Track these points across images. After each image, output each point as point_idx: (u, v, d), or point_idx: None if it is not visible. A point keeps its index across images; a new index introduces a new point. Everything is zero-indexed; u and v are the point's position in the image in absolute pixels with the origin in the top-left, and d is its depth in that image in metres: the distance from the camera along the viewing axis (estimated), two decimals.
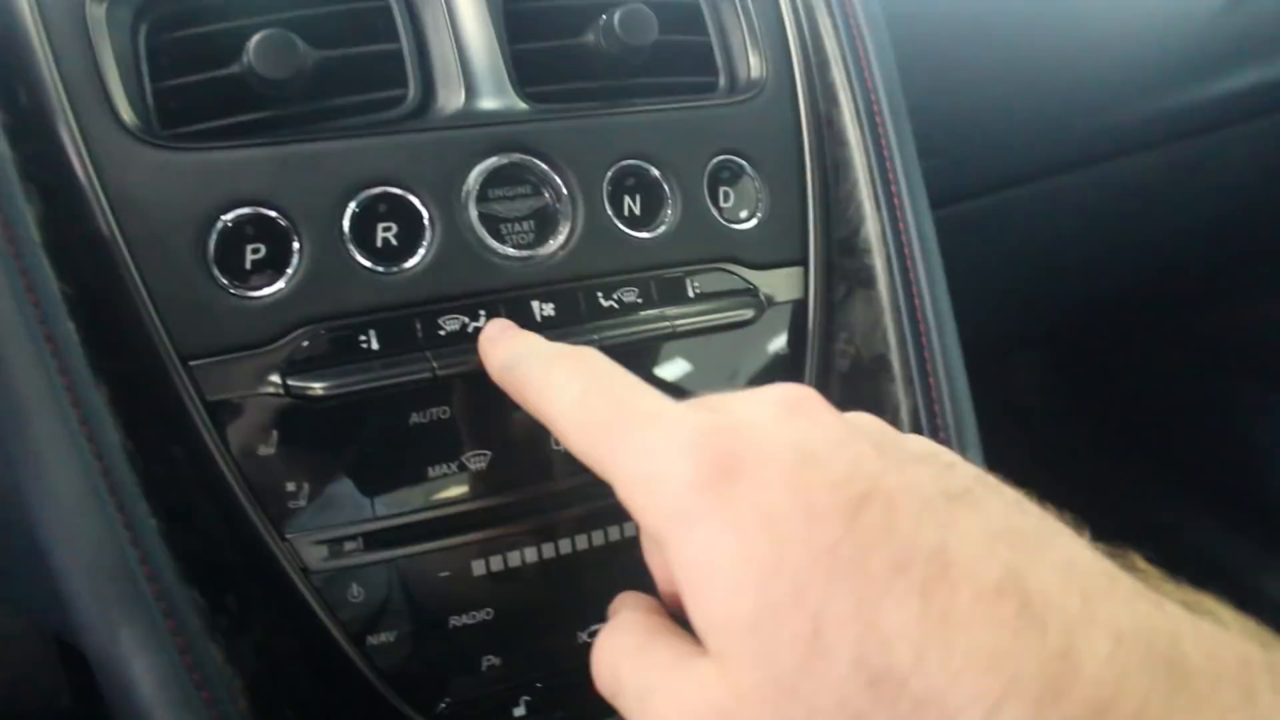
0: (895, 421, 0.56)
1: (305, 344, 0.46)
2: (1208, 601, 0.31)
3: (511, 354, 0.43)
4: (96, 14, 0.47)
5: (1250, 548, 1.28)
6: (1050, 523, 0.32)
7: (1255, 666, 0.28)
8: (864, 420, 0.36)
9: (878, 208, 0.58)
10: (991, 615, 0.27)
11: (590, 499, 0.51)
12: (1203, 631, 0.29)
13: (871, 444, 0.32)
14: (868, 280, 0.58)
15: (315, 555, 0.47)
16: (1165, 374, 1.38)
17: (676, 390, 0.53)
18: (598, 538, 0.51)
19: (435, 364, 0.47)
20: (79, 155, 0.45)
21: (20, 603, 0.72)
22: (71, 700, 1.08)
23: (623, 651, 0.35)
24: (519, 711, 0.51)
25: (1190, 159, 1.02)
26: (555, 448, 0.50)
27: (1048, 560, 0.29)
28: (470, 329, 0.49)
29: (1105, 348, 1.43)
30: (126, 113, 0.46)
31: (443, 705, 0.50)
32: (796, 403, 0.34)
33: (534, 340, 0.44)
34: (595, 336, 0.50)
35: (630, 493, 0.33)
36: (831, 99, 0.60)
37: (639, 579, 0.52)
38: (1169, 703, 0.27)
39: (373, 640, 0.48)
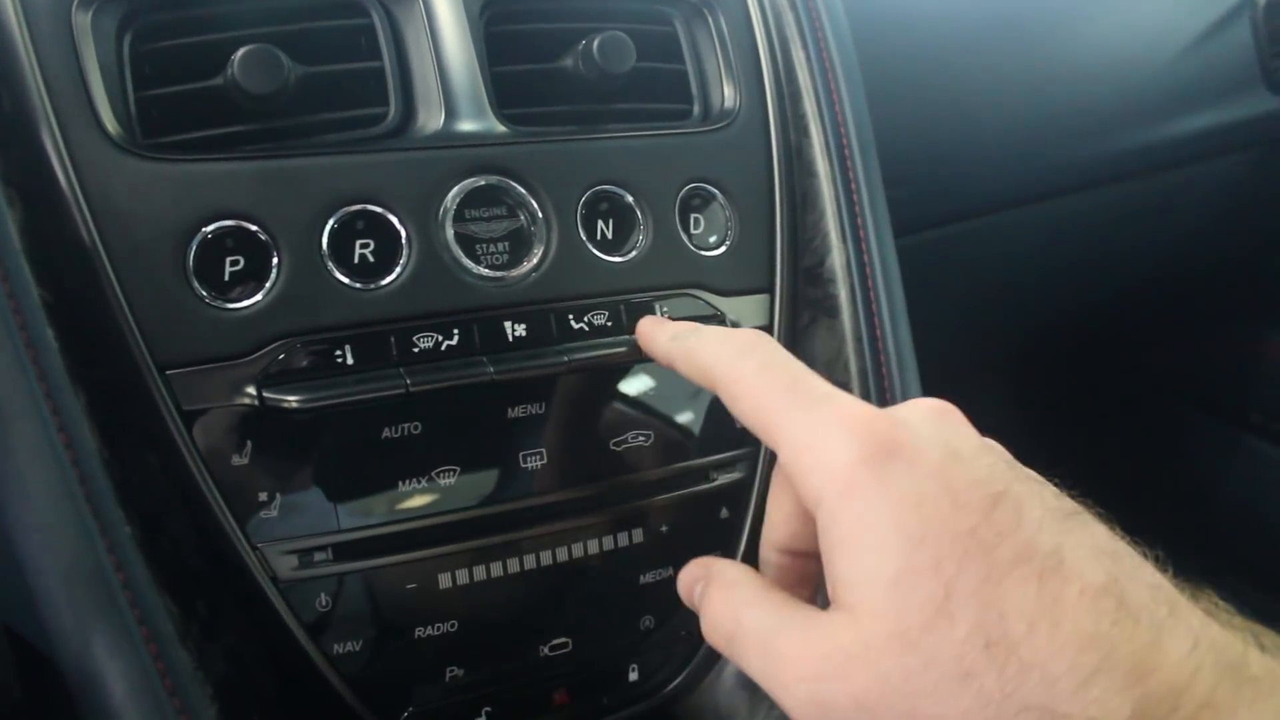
0: None
1: (281, 357, 0.47)
2: (1268, 635, 0.35)
3: (679, 328, 0.47)
4: (82, 21, 0.47)
5: (1196, 575, 1.31)
6: (1131, 551, 0.36)
7: None
8: (992, 441, 0.40)
9: (843, 239, 0.60)
10: (1094, 607, 0.33)
11: (556, 517, 0.52)
12: (1264, 651, 0.34)
13: (1004, 457, 0.38)
14: (831, 309, 0.59)
15: (285, 565, 0.48)
16: (1117, 402, 1.41)
17: (644, 414, 0.54)
18: (562, 554, 0.52)
19: (409, 380, 0.48)
20: (61, 163, 0.46)
21: None
22: (22, 695, 1.08)
23: (744, 600, 0.40)
24: None
25: (1145, 197, 1.05)
26: (524, 465, 0.51)
27: (1141, 578, 0.34)
28: (444, 346, 0.50)
29: (1059, 377, 1.46)
30: (110, 121, 0.47)
31: (406, 714, 0.51)
32: (944, 413, 0.39)
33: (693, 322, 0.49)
34: (565, 358, 0.51)
35: (796, 459, 0.37)
36: (803, 130, 0.61)
37: (602, 597, 0.54)
38: (1234, 693, 0.32)
39: (339, 649, 0.49)
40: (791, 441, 0.38)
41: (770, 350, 0.42)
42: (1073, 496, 0.38)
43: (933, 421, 0.38)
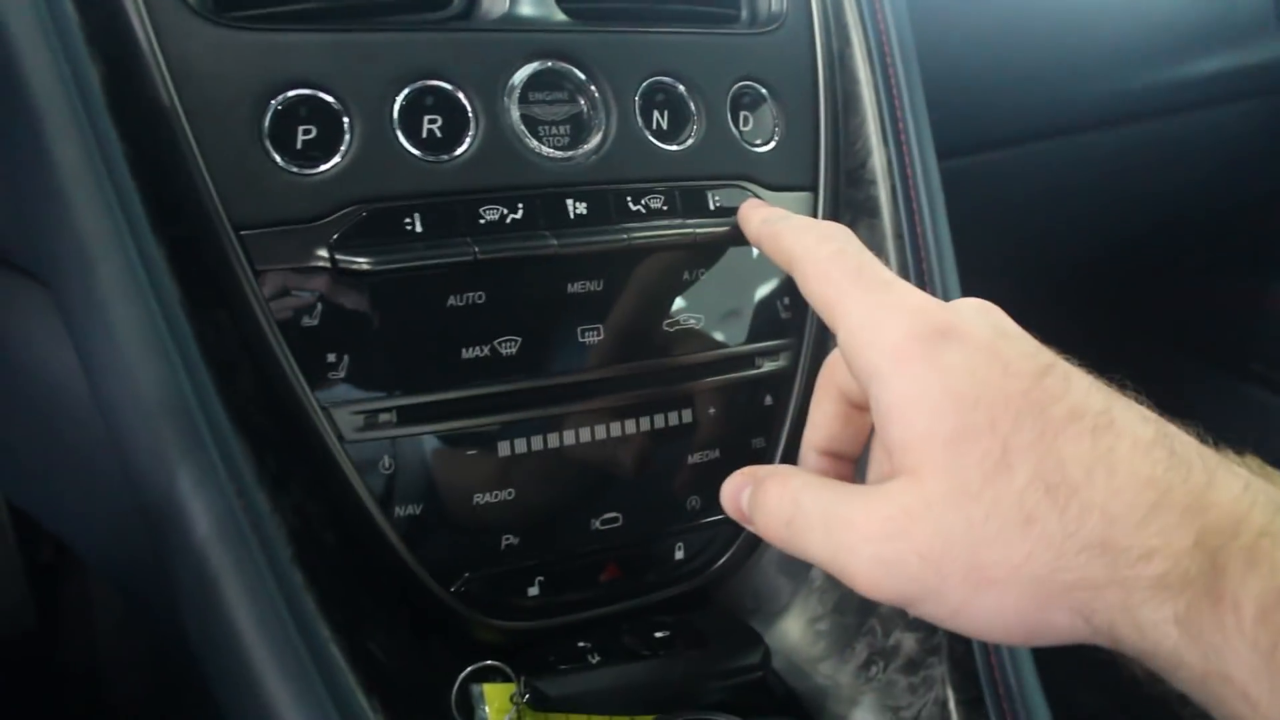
0: None
1: (353, 222, 0.48)
2: None
3: (773, 212, 0.51)
4: None
5: None
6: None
7: None
8: None
9: (884, 142, 0.62)
10: (1148, 456, 0.35)
11: (610, 391, 0.54)
12: None
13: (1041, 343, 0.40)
14: (872, 210, 0.61)
15: (350, 425, 0.49)
16: (1118, 348, 1.43)
17: (696, 297, 0.56)
18: (615, 429, 0.54)
19: (477, 248, 0.49)
20: (142, 26, 0.47)
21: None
22: (36, 620, 1.09)
23: (801, 486, 0.41)
24: (533, 591, 0.54)
25: (1154, 141, 1.07)
26: (581, 339, 0.53)
27: (1186, 438, 0.36)
28: (509, 220, 0.51)
29: (1060, 320, 1.47)
30: None
31: (463, 578, 0.52)
32: (991, 308, 0.41)
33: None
34: (624, 236, 0.53)
35: (853, 336, 0.40)
36: (845, 39, 0.63)
37: (652, 475, 0.56)
38: None
39: (400, 511, 0.50)
40: (850, 319, 0.40)
41: (846, 239, 0.44)
42: None
43: (982, 311, 0.41)
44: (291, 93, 0.48)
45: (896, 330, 0.38)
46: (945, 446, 0.36)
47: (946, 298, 0.59)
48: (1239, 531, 0.33)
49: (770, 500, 0.42)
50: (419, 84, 0.50)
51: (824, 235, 0.45)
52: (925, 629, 0.55)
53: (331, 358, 0.49)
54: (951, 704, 0.54)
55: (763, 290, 0.58)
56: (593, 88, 0.54)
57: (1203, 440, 0.37)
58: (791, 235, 0.46)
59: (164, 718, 1.06)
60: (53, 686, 1.11)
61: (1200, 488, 0.34)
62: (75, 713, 1.11)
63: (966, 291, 0.61)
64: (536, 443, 0.52)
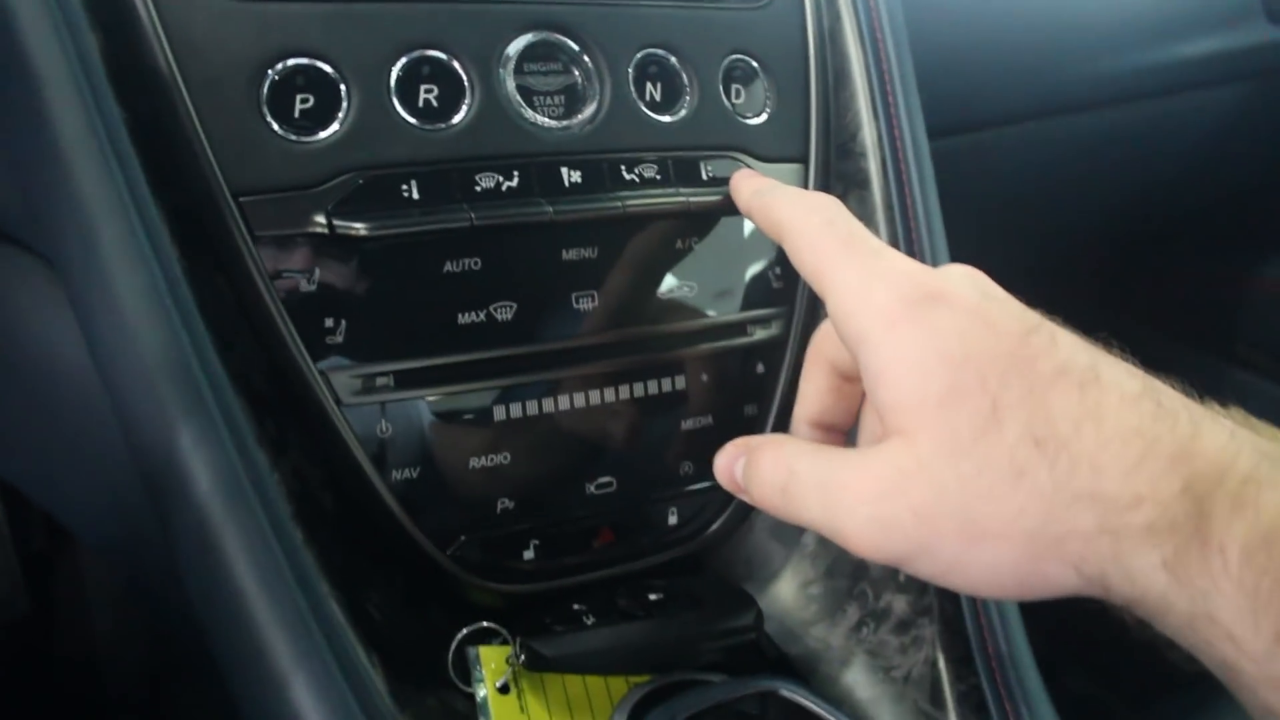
0: None
1: (350, 189, 0.49)
2: None
3: (764, 183, 0.51)
4: None
5: None
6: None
7: None
8: None
9: (874, 116, 0.62)
10: (1135, 408, 0.35)
11: (604, 357, 0.54)
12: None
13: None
14: (862, 182, 0.62)
15: (348, 388, 0.50)
16: (1104, 328, 1.44)
17: (689, 265, 0.57)
18: (609, 395, 0.55)
19: (473, 214, 0.50)
20: None
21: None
22: (29, 605, 1.09)
23: (796, 453, 0.42)
24: (528, 554, 0.54)
25: (1141, 124, 1.08)
26: (576, 305, 0.54)
27: (1172, 391, 0.37)
28: (504, 187, 0.52)
29: (1052, 302, 1.48)
30: None
31: (459, 541, 0.53)
32: (977, 274, 0.42)
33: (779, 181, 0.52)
34: (618, 204, 0.53)
35: (842, 302, 0.41)
36: (835, 14, 0.64)
37: (646, 440, 0.56)
38: (1273, 468, 0.34)
39: (397, 474, 0.51)
40: (839, 287, 0.41)
41: (835, 210, 0.45)
42: None
43: (969, 276, 0.41)
44: (290, 62, 0.49)
45: (885, 295, 0.39)
46: (936, 406, 0.37)
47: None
48: (1224, 478, 0.34)
49: (764, 469, 0.43)
50: (415, 54, 0.51)
51: (814, 206, 0.45)
52: (916, 590, 0.56)
53: (329, 322, 0.49)
54: (941, 663, 0.55)
55: (755, 259, 0.59)
56: (586, 59, 0.55)
57: (1188, 395, 0.38)
58: (782, 206, 0.47)
59: (161, 701, 1.07)
60: (48, 672, 1.12)
61: (1186, 437, 0.35)
62: (72, 698, 1.11)
63: None
64: (531, 408, 0.53)
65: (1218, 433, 0.35)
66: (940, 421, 0.37)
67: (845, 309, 0.40)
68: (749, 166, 0.58)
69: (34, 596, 1.09)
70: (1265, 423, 0.40)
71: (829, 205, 0.45)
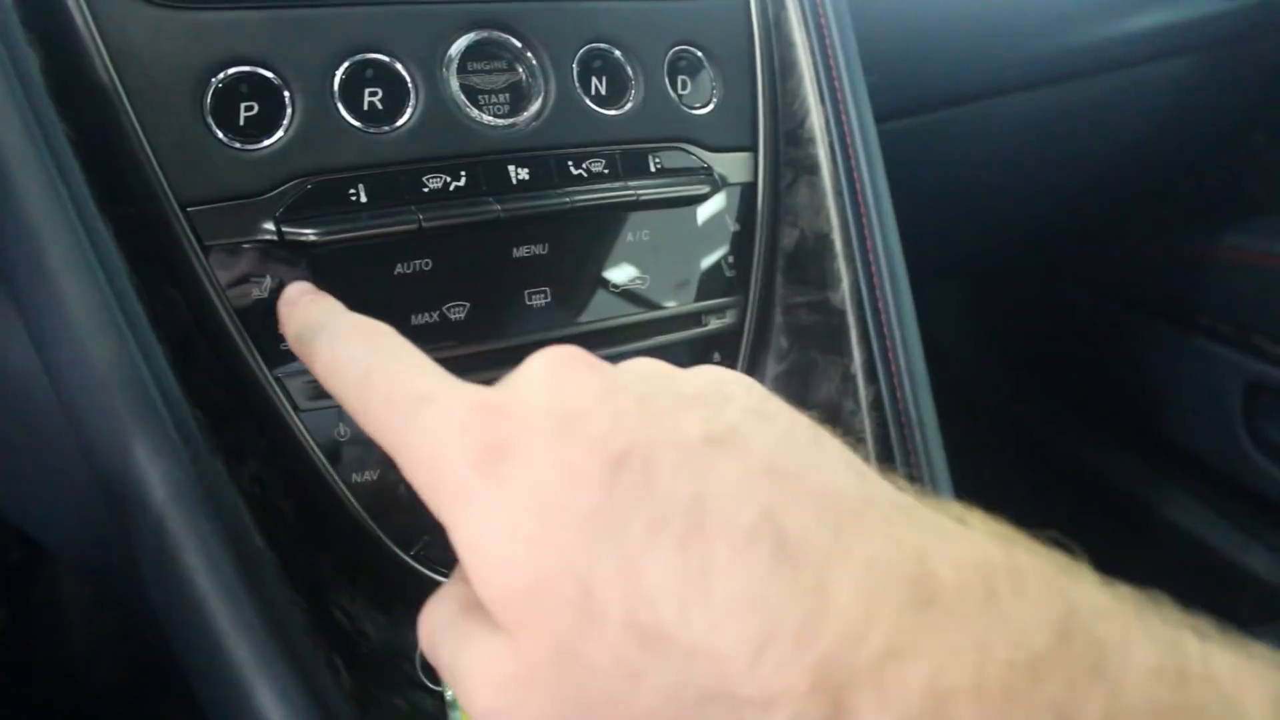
0: (836, 295, 0.61)
1: (298, 195, 0.49)
2: (958, 509, 0.32)
3: (304, 325, 0.43)
4: None
5: (1147, 474, 1.37)
6: (816, 450, 0.32)
7: (998, 569, 0.28)
8: (637, 367, 0.36)
9: (821, 102, 0.63)
10: (747, 562, 0.27)
11: None
12: (950, 544, 0.29)
13: (634, 396, 0.32)
14: (811, 168, 0.63)
15: (304, 393, 0.50)
16: (1073, 308, 1.46)
17: (641, 257, 0.57)
18: None
19: (421, 216, 0.50)
20: (79, 7, 0.47)
21: None
22: (5, 615, 1.09)
23: (441, 623, 0.35)
24: None
25: (1096, 96, 1.09)
26: (529, 302, 0.54)
27: (805, 493, 0.29)
28: (452, 187, 0.52)
29: (1013, 277, 1.50)
30: None
31: (422, 541, 0.53)
32: (558, 365, 0.34)
33: (328, 310, 0.43)
34: (567, 200, 0.54)
35: (414, 475, 0.33)
36: (779, 3, 0.64)
37: None
38: (918, 620, 0.26)
39: (357, 478, 0.51)
40: (405, 458, 0.34)
41: (376, 350, 0.38)
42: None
43: (548, 383, 0.33)
44: (232, 70, 0.49)
45: (449, 461, 0.32)
46: (525, 601, 0.30)
47: (888, 256, 0.61)
48: (855, 661, 0.26)
49: (422, 633, 0.36)
50: (358, 57, 0.51)
51: (352, 355, 0.38)
52: None
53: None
54: None
55: (708, 249, 0.60)
56: (530, 55, 0.55)
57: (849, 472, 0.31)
58: (322, 361, 0.40)
59: (139, 706, 1.07)
60: (26, 682, 1.12)
61: (811, 591, 0.27)
62: (49, 706, 1.11)
63: (911, 252, 0.63)
64: None
65: (849, 573, 0.27)
66: (535, 619, 0.29)
67: (416, 485, 0.33)
68: (698, 158, 0.58)
69: (10, 606, 1.09)
70: (923, 496, 0.32)
71: (366, 347, 0.38)
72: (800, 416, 0.34)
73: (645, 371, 0.35)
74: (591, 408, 0.31)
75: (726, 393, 0.34)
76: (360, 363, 0.37)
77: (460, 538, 0.31)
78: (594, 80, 0.57)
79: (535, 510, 0.29)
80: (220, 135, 0.49)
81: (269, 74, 0.49)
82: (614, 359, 0.55)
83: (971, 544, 0.29)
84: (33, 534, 0.80)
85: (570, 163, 0.55)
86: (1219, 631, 0.28)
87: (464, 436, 0.31)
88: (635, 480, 0.29)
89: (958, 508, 0.31)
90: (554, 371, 0.33)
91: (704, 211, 0.59)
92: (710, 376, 0.35)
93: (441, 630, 0.34)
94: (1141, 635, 0.27)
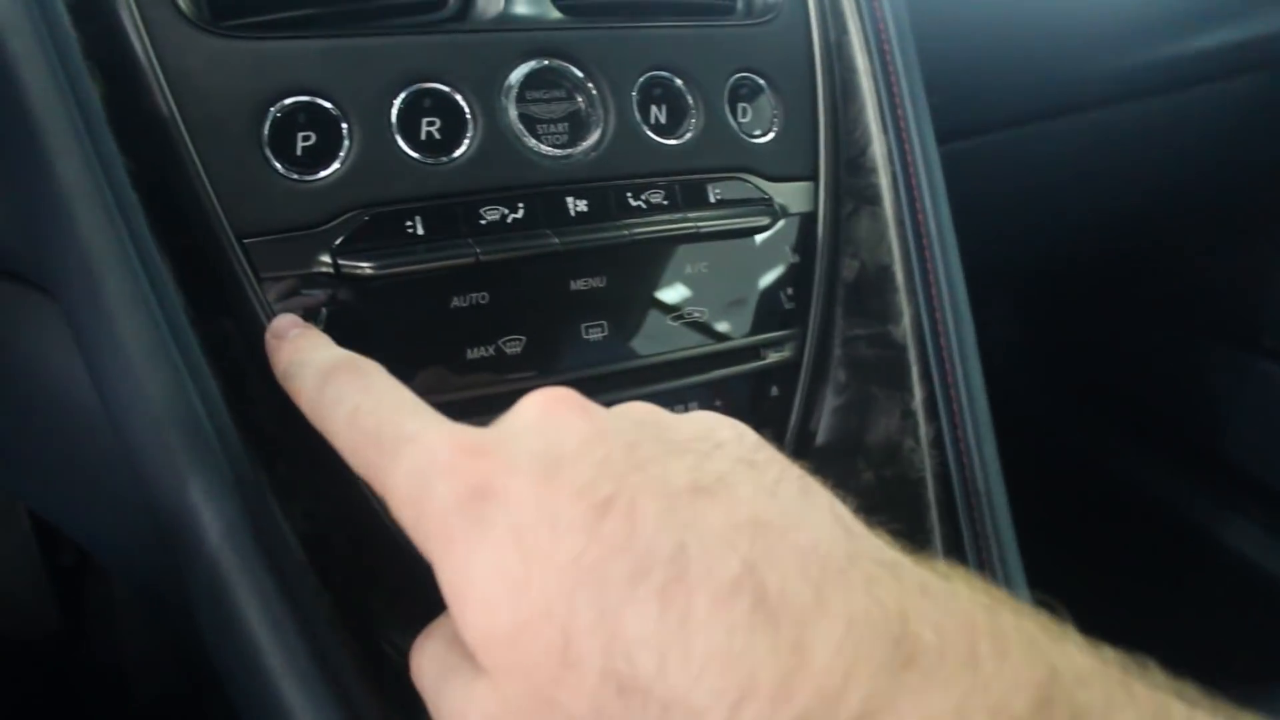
0: (898, 329, 0.60)
1: (355, 227, 0.49)
2: (943, 568, 0.31)
3: (291, 361, 0.43)
4: None
5: (1208, 499, 1.34)
6: (804, 501, 0.32)
7: (980, 631, 0.28)
8: (630, 412, 0.36)
9: (884, 130, 0.62)
10: (727, 616, 0.27)
11: (620, 387, 0.54)
12: (933, 604, 0.29)
13: (622, 442, 0.32)
14: (873, 198, 0.61)
15: None
16: (1129, 327, 1.43)
17: (699, 290, 0.56)
18: None
19: (478, 249, 0.50)
20: (139, 39, 0.47)
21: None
22: (60, 623, 1.10)
23: (429, 658, 0.35)
24: None
25: (1159, 116, 1.06)
26: (585, 335, 0.53)
27: (789, 548, 0.29)
28: (509, 219, 0.51)
29: (1072, 300, 1.48)
30: (184, 1, 0.48)
31: None
32: (550, 406, 0.34)
33: (315, 347, 0.44)
34: (626, 233, 0.53)
35: (400, 514, 0.34)
36: (841, 27, 0.63)
37: None
38: (897, 681, 0.26)
39: None
40: (393, 498, 0.34)
41: (363, 389, 0.38)
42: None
43: (535, 427, 0.33)
44: (289, 100, 0.49)
45: (435, 502, 0.32)
46: (506, 645, 0.30)
47: (950, 288, 0.59)
48: (835, 714, 0.26)
49: (413, 668, 0.37)
50: (416, 87, 0.51)
51: (339, 393, 0.38)
52: None
53: None
54: None
55: (766, 281, 0.59)
56: (590, 84, 0.54)
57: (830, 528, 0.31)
58: (308, 399, 0.40)
59: (190, 715, 1.08)
60: (79, 687, 1.13)
61: (790, 648, 0.27)
62: (102, 712, 1.12)
63: (973, 278, 0.61)
64: None
65: (828, 631, 0.27)
66: (514, 663, 0.30)
67: (404, 525, 0.34)
68: (757, 187, 0.57)
69: (64, 611, 1.11)
70: (908, 552, 0.32)
71: (354, 385, 0.38)
72: (791, 466, 0.34)
73: (637, 416, 0.35)
74: (579, 452, 0.31)
75: (717, 439, 0.34)
76: (348, 401, 0.37)
77: (444, 578, 0.31)
78: (654, 109, 0.56)
79: (518, 554, 0.30)
80: (277, 166, 0.48)
81: (327, 104, 0.49)
82: (671, 394, 0.55)
83: (955, 604, 0.29)
84: (90, 550, 0.81)
85: (629, 194, 0.54)
86: (1205, 699, 0.28)
87: (450, 477, 0.32)
88: (618, 528, 0.29)
89: (944, 565, 0.31)
90: (544, 414, 0.33)
91: (763, 242, 0.58)
92: (702, 423, 0.35)
93: (428, 666, 0.35)
94: (1125, 702, 0.27)
